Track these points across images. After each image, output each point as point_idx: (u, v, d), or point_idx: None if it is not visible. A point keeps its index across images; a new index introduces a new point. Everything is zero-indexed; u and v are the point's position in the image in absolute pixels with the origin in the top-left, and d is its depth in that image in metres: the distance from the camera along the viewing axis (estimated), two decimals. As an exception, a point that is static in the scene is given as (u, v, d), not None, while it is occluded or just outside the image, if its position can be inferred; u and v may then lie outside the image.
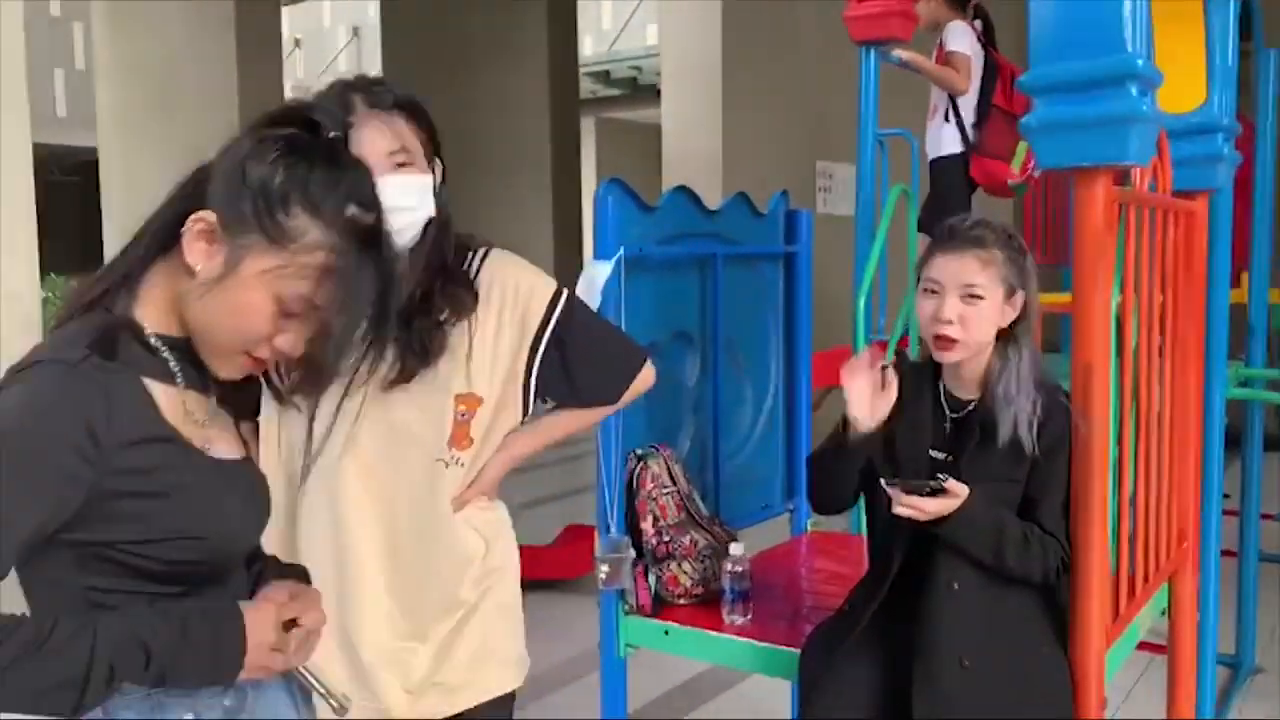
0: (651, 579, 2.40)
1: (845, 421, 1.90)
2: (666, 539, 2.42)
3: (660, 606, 2.41)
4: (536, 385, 1.74)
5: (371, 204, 1.13)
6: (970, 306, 1.81)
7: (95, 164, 13.57)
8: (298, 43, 24.34)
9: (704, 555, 2.45)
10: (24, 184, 3.88)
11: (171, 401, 1.13)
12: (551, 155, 12.68)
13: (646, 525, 2.42)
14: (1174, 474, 2.38)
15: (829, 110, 7.57)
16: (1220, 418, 2.75)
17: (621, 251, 2.35)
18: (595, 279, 2.32)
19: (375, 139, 1.61)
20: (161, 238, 1.14)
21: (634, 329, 2.47)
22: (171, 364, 1.14)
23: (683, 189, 2.67)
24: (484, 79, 13.13)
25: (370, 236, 1.12)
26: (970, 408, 1.92)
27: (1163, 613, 2.54)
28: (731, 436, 2.89)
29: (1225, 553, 3.65)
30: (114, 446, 1.04)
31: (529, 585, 4.61)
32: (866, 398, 1.85)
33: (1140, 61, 1.68)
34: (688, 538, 2.44)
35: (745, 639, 2.26)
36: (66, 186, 20.24)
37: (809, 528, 3.11)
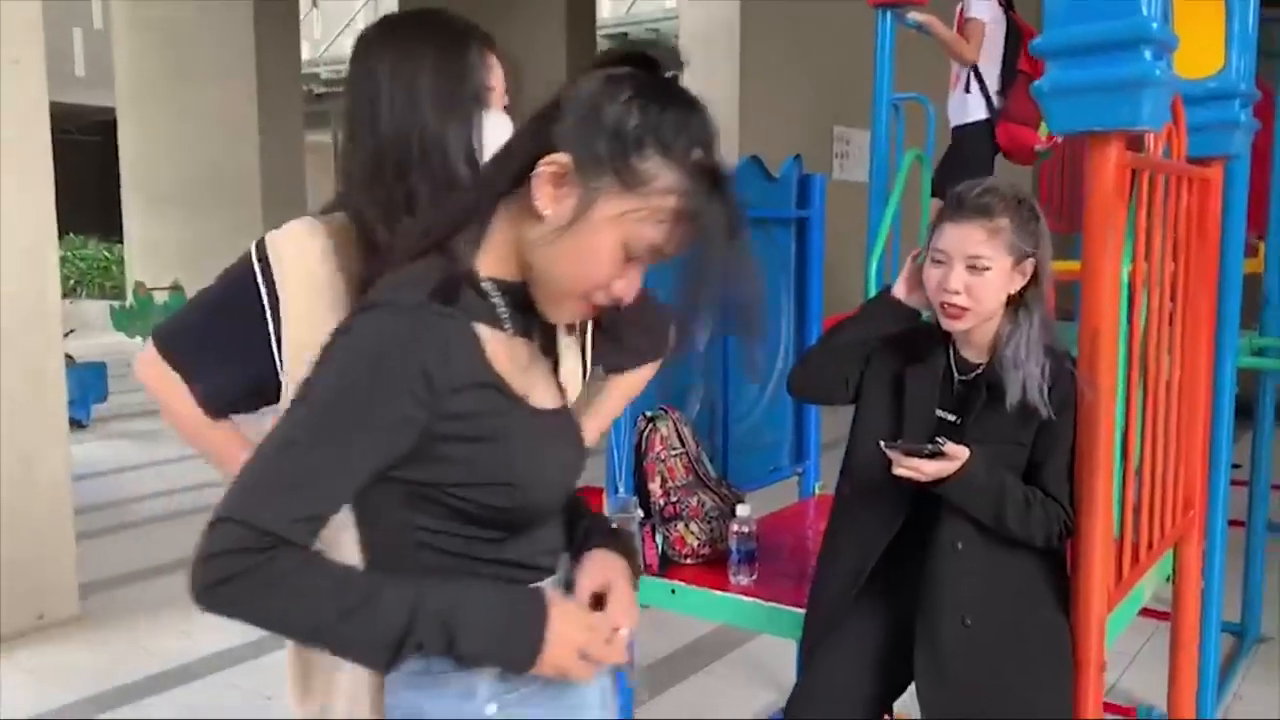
0: (659, 539, 2.43)
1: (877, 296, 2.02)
2: (674, 500, 2.44)
3: (667, 566, 2.44)
4: (591, 357, 1.73)
5: (712, 147, 1.10)
6: (977, 277, 1.81)
7: (114, 124, 13.62)
8: (314, 2, 24.23)
9: (711, 516, 2.47)
10: (42, 142, 3.90)
11: (499, 348, 1.11)
12: (568, 118, 12.59)
13: (655, 486, 2.45)
14: (1182, 442, 2.38)
15: (847, 76, 7.50)
16: (1231, 387, 2.74)
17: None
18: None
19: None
20: (506, 181, 1.12)
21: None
22: (500, 310, 1.13)
23: (695, 151, 2.66)
24: (499, 40, 13.05)
25: (717, 181, 1.09)
26: (979, 371, 1.93)
27: (1168, 579, 2.55)
28: (741, 400, 2.90)
29: (1233, 522, 3.66)
30: (446, 391, 1.04)
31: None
32: (903, 284, 1.97)
33: (1155, 25, 1.67)
34: (695, 499, 2.46)
35: (751, 599, 2.28)
36: (85, 146, 20.29)
37: (816, 490, 3.13)
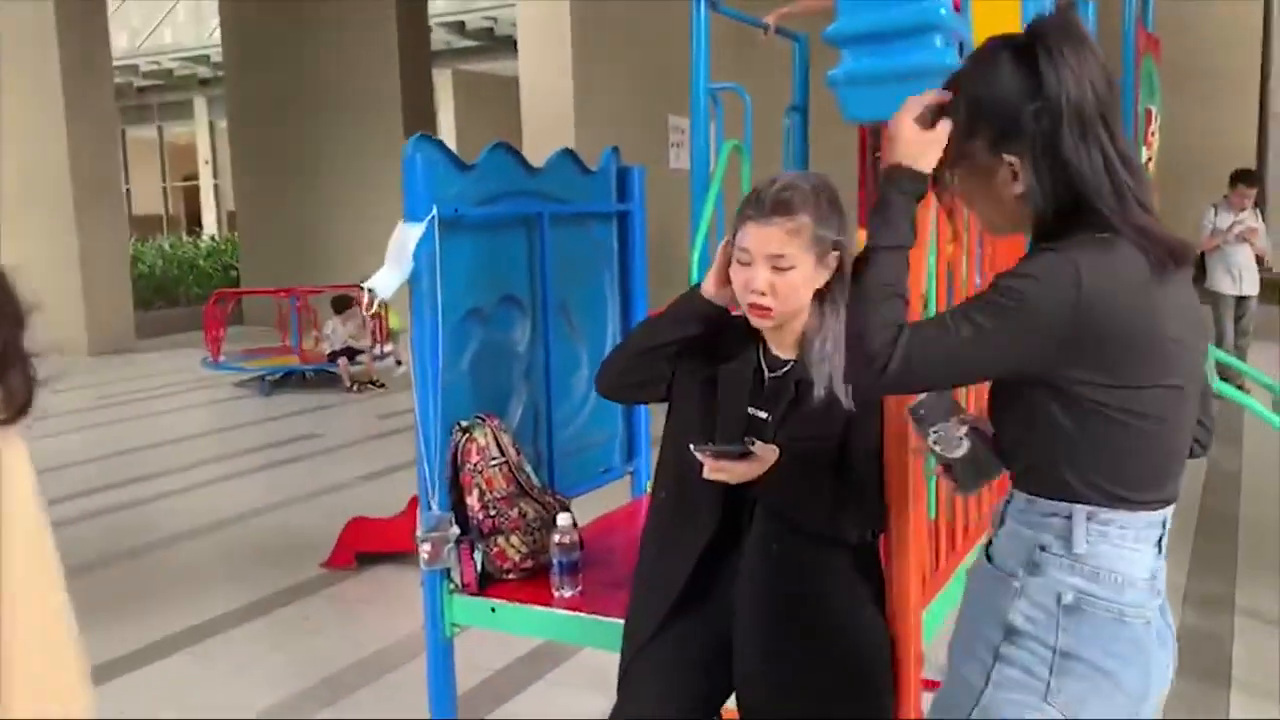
0: (478, 555, 2.31)
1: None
2: (493, 513, 2.33)
3: (490, 582, 2.33)
4: None
5: None
6: (780, 276, 1.77)
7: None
8: (130, -10, 22.93)
9: (533, 527, 2.37)
10: None
11: None
12: (403, 110, 12.27)
13: (472, 500, 2.33)
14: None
15: (680, 64, 7.48)
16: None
17: (435, 212, 2.23)
18: (405, 242, 2.19)
19: None
20: None
21: (454, 294, 2.36)
22: None
23: (503, 145, 2.55)
24: (329, 33, 12.60)
25: None
26: (788, 367, 1.89)
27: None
28: (566, 402, 2.81)
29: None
30: None
31: (377, 559, 4.48)
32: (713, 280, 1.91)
33: (943, 11, 1.65)
34: (516, 510, 2.36)
35: (573, 612, 2.20)
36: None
37: (649, 489, 3.06)
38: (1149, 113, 5.13)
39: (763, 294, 1.77)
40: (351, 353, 8.81)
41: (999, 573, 1.41)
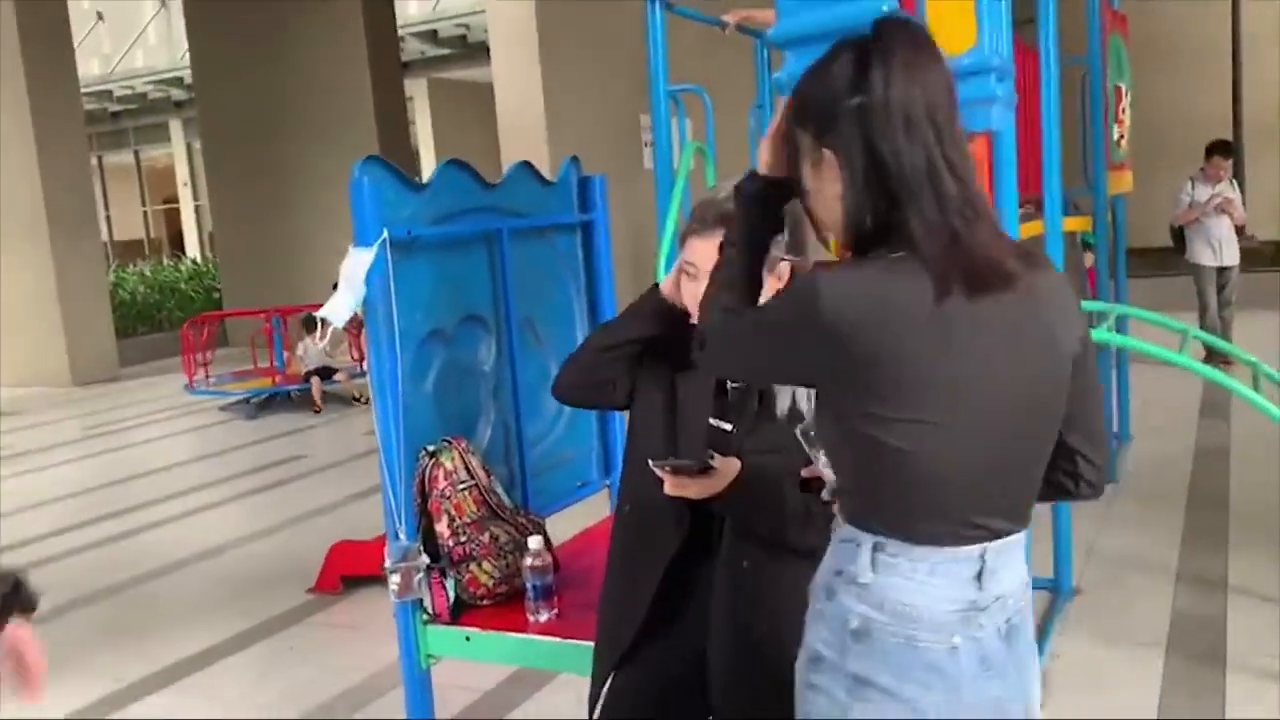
0: (450, 583, 2.27)
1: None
2: (464, 539, 2.29)
3: (463, 610, 2.28)
4: None
5: None
6: None
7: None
8: (100, 16, 22.80)
9: (505, 551, 2.33)
10: None
11: None
12: (377, 123, 12.20)
13: (442, 527, 2.29)
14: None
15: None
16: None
17: (385, 235, 2.18)
18: (356, 268, 2.15)
19: None
20: None
21: (413, 317, 2.32)
22: None
23: (455, 162, 2.50)
24: (300, 47, 12.52)
25: None
26: (750, 379, 1.85)
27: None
28: (537, 418, 2.77)
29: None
30: None
31: (363, 581, 4.42)
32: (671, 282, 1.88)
33: (885, 8, 1.60)
34: (486, 535, 2.32)
35: (550, 638, 2.16)
36: None
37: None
38: (1119, 90, 5.10)
39: None
40: (326, 371, 8.73)
41: (810, 600, 1.39)
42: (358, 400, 8.74)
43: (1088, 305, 4.21)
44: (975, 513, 1.29)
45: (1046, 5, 3.24)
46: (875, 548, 1.29)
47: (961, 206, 1.24)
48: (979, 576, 1.29)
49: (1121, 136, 5.12)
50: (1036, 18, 3.37)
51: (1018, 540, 1.34)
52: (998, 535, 1.30)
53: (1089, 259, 5.96)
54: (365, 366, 8.91)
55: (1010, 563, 1.33)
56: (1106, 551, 4.18)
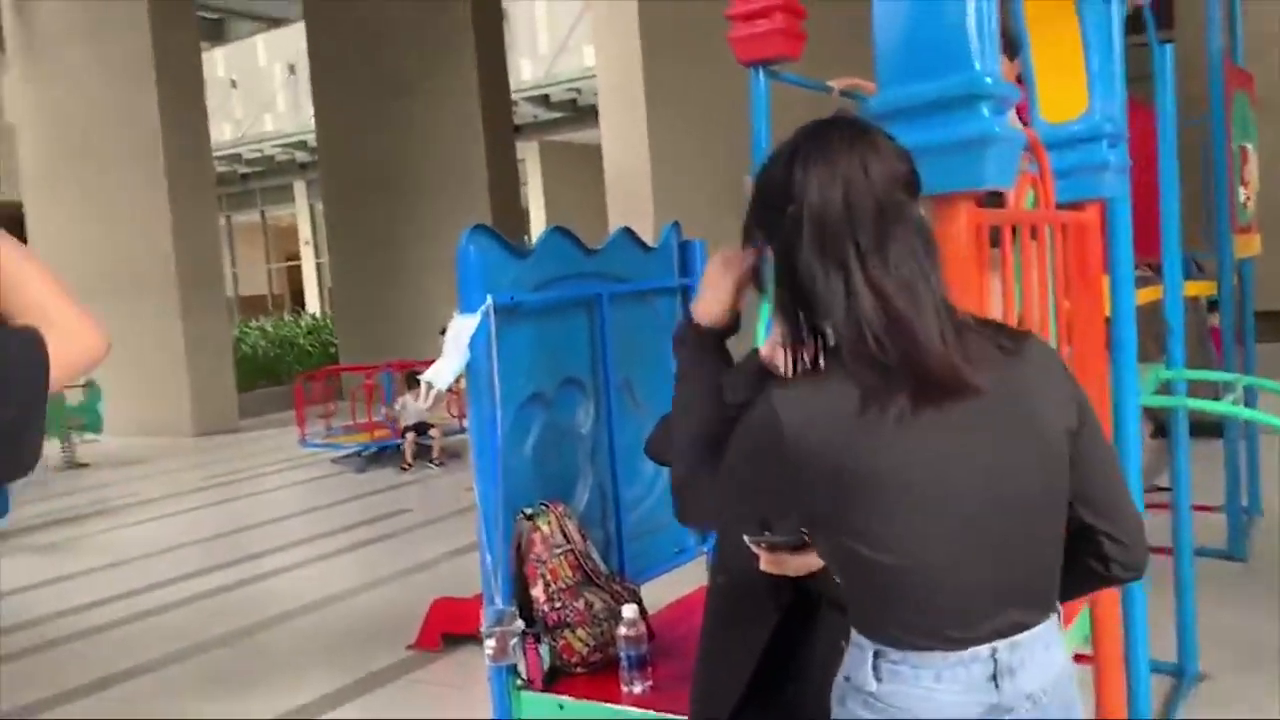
0: (545, 649, 2.26)
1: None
2: (559, 605, 2.28)
3: (557, 677, 2.27)
4: None
5: None
6: None
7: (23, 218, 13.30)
8: (234, 84, 24.08)
9: (600, 618, 2.31)
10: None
11: None
12: (489, 184, 12.53)
13: (537, 592, 2.29)
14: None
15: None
16: (1135, 423, 2.66)
17: (489, 301, 2.22)
18: (460, 334, 2.19)
19: None
20: None
21: (513, 380, 2.35)
22: None
23: (559, 229, 2.54)
24: (417, 113, 12.98)
25: None
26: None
27: (1087, 638, 2.44)
28: (635, 482, 2.76)
29: (1160, 549, 3.57)
30: None
31: (463, 640, 4.44)
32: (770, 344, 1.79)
33: (989, 80, 1.58)
34: (581, 601, 2.31)
35: (644, 710, 2.13)
36: None
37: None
38: (1244, 150, 4.92)
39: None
40: (422, 427, 8.84)
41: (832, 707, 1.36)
42: (434, 462, 8.82)
43: (1211, 376, 4.03)
44: (974, 613, 1.23)
45: (1163, 65, 3.15)
46: (877, 655, 1.26)
47: (887, 328, 1.17)
48: (994, 678, 1.23)
49: (1248, 198, 4.92)
50: (1153, 74, 3.28)
51: (1040, 632, 1.27)
52: (1012, 631, 1.24)
53: (1214, 319, 5.75)
54: (464, 424, 9.08)
55: (1035, 658, 1.26)
56: (1235, 634, 3.93)
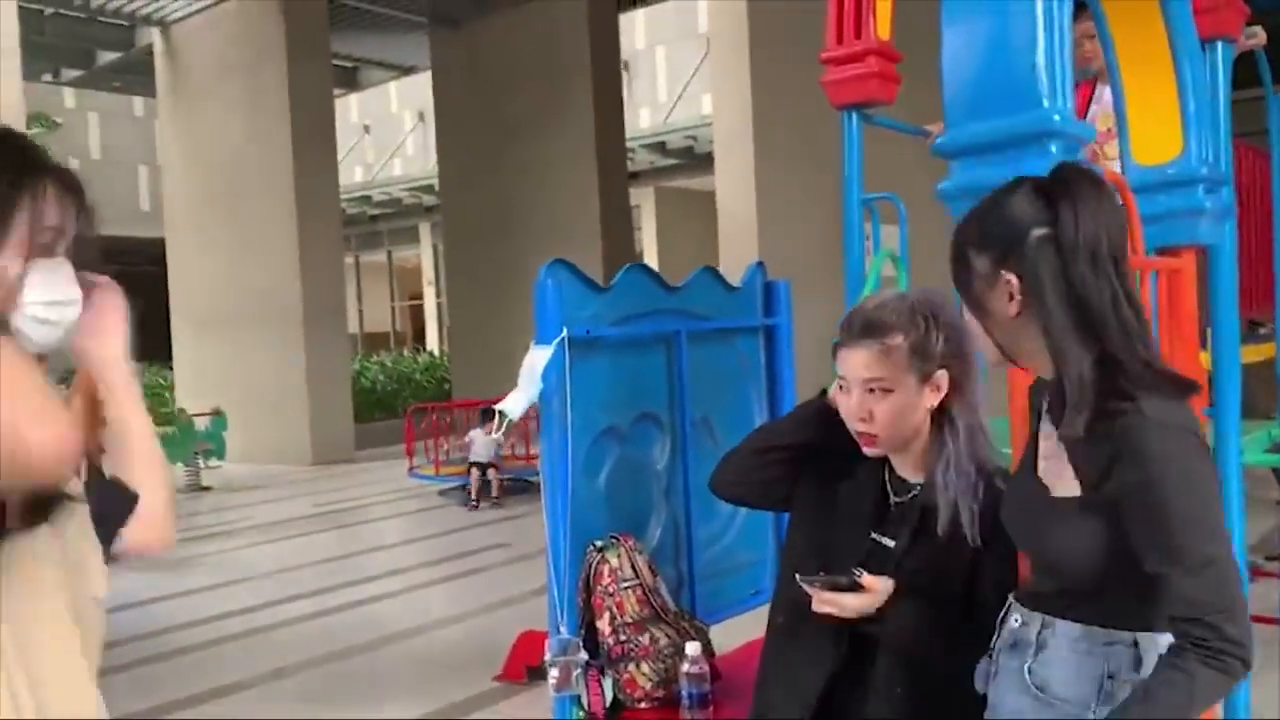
0: (608, 682, 2.27)
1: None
2: (623, 638, 2.29)
3: (619, 710, 2.27)
4: None
5: None
6: (879, 401, 1.68)
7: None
8: (366, 129, 25.13)
9: (665, 654, 2.30)
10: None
11: None
12: (601, 226, 12.73)
13: (603, 624, 2.30)
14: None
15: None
16: (1239, 483, 2.53)
17: (565, 334, 2.27)
18: (534, 365, 2.23)
19: None
20: None
21: (588, 413, 2.38)
22: None
23: (639, 266, 2.58)
24: (535, 158, 13.31)
25: None
26: (914, 492, 1.78)
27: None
28: (710, 520, 2.75)
29: (1267, 619, 3.36)
30: None
31: (540, 673, 4.45)
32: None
33: (1058, 118, 1.55)
34: (646, 636, 2.30)
35: (702, 747, 2.10)
36: (147, 276, 21.05)
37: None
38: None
39: (862, 420, 1.68)
40: (485, 466, 8.88)
41: (1058, 701, 1.40)
42: (494, 500, 8.85)
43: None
44: None
45: (1276, 113, 3.03)
46: (1151, 643, 1.37)
47: (1142, 333, 1.39)
48: None
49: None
50: (1269, 126, 3.15)
51: None
52: None
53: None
54: (534, 463, 9.09)
55: None
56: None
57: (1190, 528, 1.28)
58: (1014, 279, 1.40)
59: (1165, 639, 1.33)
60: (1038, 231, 1.37)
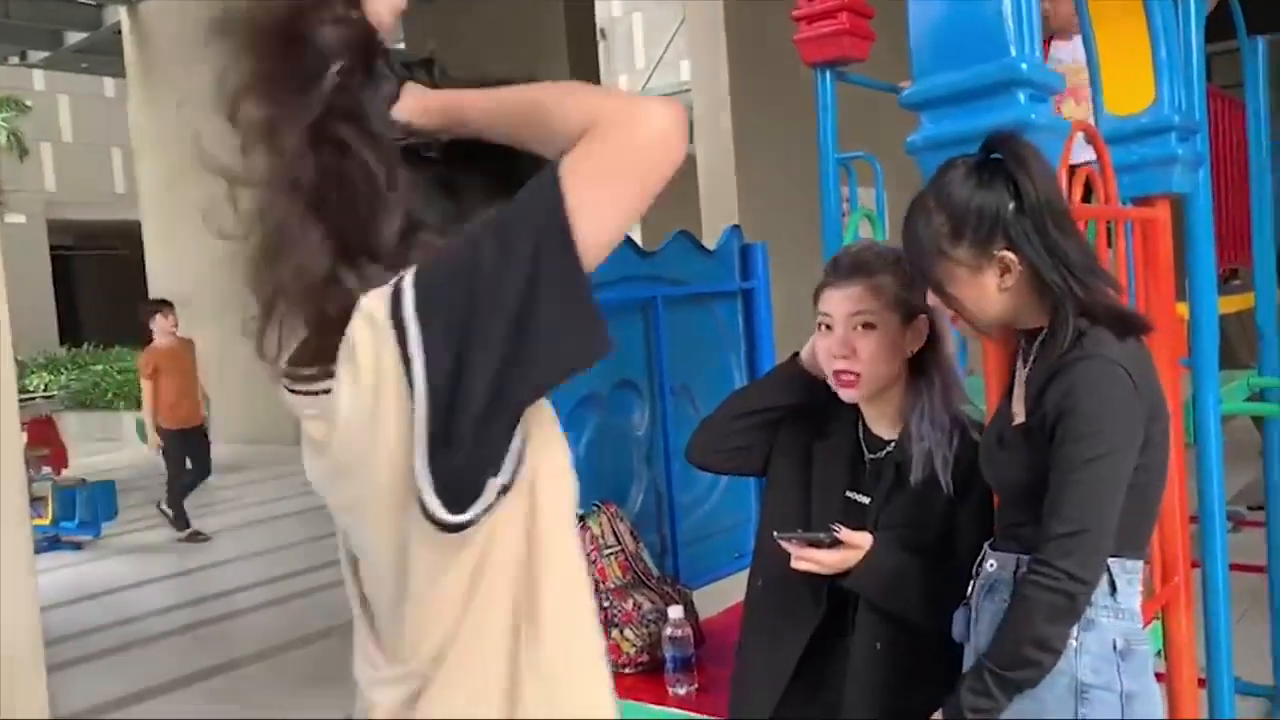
0: (591, 648, 2.26)
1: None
2: (606, 604, 2.28)
3: (604, 676, 2.27)
4: None
5: None
6: (863, 337, 1.68)
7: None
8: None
9: (649, 620, 2.30)
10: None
11: None
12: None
13: (585, 590, 2.29)
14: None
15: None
16: (1217, 434, 2.53)
17: (539, 303, 2.24)
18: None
19: None
20: None
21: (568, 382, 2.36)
22: None
23: (612, 232, 2.55)
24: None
25: None
26: (888, 448, 1.77)
27: (1158, 653, 2.32)
28: (691, 486, 2.74)
29: (1253, 568, 3.38)
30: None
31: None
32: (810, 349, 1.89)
33: (1026, 65, 1.53)
34: (630, 602, 2.30)
35: (687, 712, 2.11)
36: (129, 260, 20.84)
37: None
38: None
39: (844, 356, 1.68)
40: None
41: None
42: None
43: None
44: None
45: (1253, 58, 3.01)
46: (1122, 569, 1.44)
47: (1105, 273, 1.50)
48: None
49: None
50: (1244, 80, 3.13)
51: None
52: None
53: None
54: None
55: None
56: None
57: (1077, 489, 1.37)
58: (1008, 254, 1.45)
59: (1135, 564, 1.45)
60: (1010, 204, 1.43)
